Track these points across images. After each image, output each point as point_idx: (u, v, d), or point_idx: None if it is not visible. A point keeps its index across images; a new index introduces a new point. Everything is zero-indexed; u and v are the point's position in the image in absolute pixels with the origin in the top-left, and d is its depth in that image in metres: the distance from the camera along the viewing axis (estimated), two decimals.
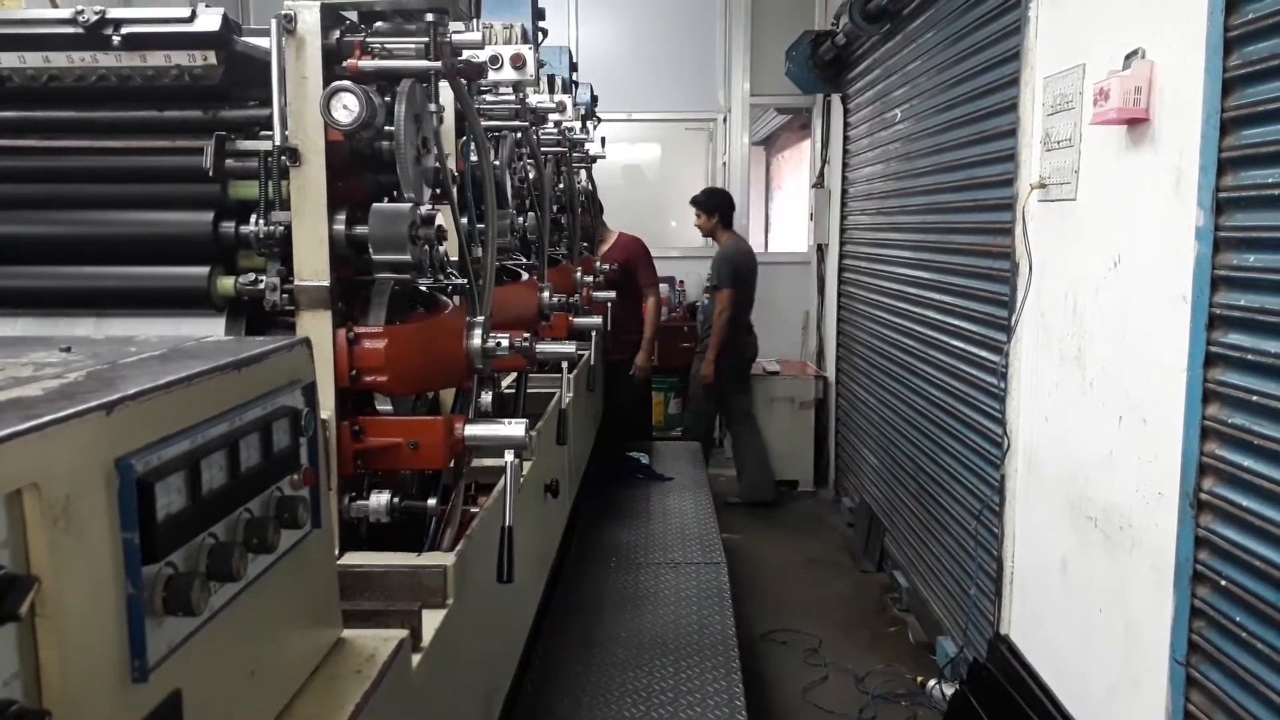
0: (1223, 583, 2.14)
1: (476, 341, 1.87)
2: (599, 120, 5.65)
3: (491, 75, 2.60)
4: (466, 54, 1.81)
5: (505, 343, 1.90)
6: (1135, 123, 2.45)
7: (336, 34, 1.68)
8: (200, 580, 0.83)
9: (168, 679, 0.83)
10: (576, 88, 5.09)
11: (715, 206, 6.48)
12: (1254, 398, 2.04)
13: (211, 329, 1.82)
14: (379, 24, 1.76)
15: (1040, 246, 3.12)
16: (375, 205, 1.72)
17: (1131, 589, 2.51)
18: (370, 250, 1.71)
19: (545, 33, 4.07)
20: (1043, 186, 3.07)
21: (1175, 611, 2.28)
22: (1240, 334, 2.09)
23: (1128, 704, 2.53)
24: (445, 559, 1.65)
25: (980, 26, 3.77)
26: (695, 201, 6.55)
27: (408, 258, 1.72)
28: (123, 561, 0.77)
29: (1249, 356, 2.05)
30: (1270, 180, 2.00)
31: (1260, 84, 2.03)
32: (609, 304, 4.52)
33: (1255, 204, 2.05)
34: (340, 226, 1.69)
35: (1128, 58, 2.46)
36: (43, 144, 1.89)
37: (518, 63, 2.65)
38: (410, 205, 1.73)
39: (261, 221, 1.73)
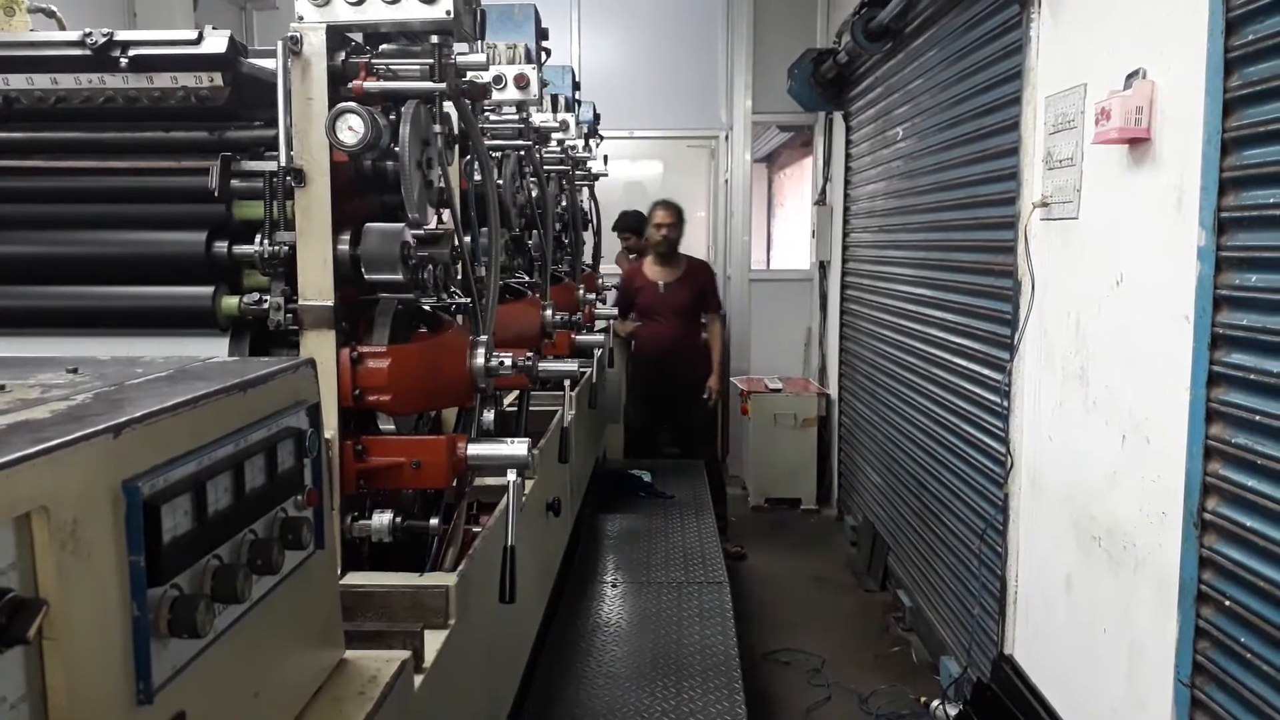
0: (1227, 603, 2.13)
1: (480, 360, 1.87)
2: (601, 138, 5.67)
3: (495, 95, 2.62)
4: (471, 75, 1.82)
5: (508, 361, 1.90)
6: (1137, 142, 2.46)
7: (342, 55, 1.69)
8: (205, 602, 0.83)
9: (173, 701, 0.83)
10: (579, 106, 5.11)
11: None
12: (1257, 417, 2.03)
13: (215, 349, 1.82)
14: (384, 46, 1.78)
15: (1042, 265, 3.13)
16: (368, 224, 1.73)
17: (1136, 609, 2.50)
18: (363, 269, 1.71)
19: (548, 52, 4.09)
20: (1045, 205, 3.07)
21: (1180, 632, 2.27)
22: (1243, 354, 2.09)
23: None
24: (447, 579, 1.65)
25: (982, 45, 3.78)
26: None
27: (399, 277, 1.72)
28: (129, 584, 0.77)
29: (1252, 376, 2.05)
30: (1272, 200, 2.01)
31: (1261, 105, 2.04)
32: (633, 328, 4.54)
33: (1257, 224, 2.06)
34: (344, 246, 1.70)
35: (1129, 78, 2.47)
36: (50, 164, 1.91)
37: (521, 83, 2.67)
38: (403, 224, 1.73)
39: (266, 241, 1.74)
